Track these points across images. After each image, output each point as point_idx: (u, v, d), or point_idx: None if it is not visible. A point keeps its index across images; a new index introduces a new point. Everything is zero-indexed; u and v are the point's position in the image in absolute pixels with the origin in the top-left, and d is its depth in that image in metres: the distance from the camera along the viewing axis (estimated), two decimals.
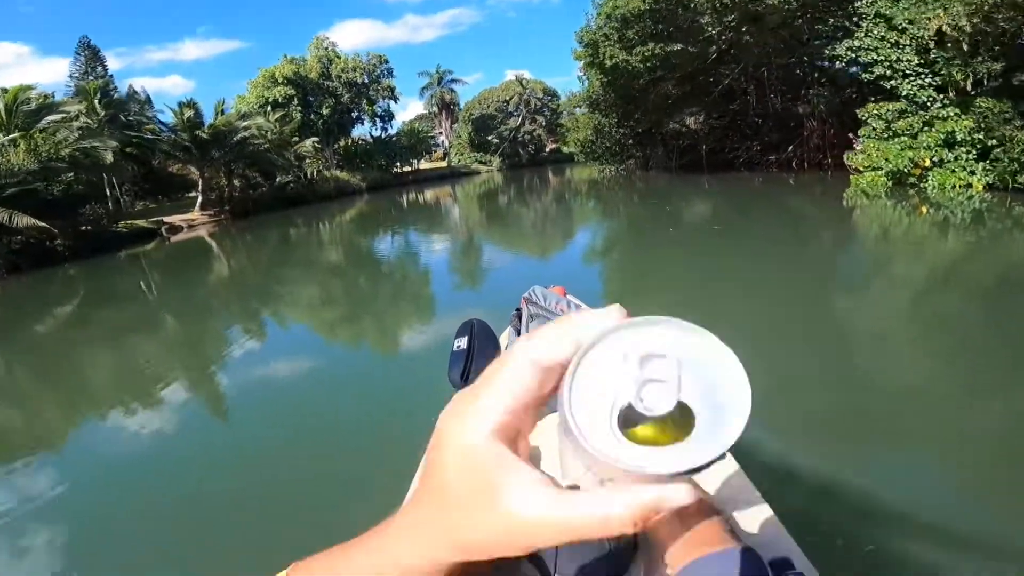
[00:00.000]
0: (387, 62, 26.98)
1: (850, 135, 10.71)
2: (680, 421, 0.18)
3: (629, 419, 0.18)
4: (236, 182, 17.32)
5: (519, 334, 1.76)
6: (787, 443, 2.03)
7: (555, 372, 0.20)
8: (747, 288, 4.53)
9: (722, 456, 0.18)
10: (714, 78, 16.11)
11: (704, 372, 0.18)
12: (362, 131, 29.04)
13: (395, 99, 27.92)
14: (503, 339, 1.92)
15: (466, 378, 1.66)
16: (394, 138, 28.54)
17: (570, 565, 0.88)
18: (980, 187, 7.70)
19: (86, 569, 1.82)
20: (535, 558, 0.87)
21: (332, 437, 2.56)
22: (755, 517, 1.01)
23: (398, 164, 28.76)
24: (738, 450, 1.27)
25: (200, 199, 15.70)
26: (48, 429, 3.03)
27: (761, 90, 15.55)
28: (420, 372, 3.23)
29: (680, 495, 0.19)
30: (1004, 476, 1.82)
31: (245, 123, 16.01)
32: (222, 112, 16.26)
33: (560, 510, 0.19)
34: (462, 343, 1.75)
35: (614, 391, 0.18)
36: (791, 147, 15.04)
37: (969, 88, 8.36)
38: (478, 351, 1.74)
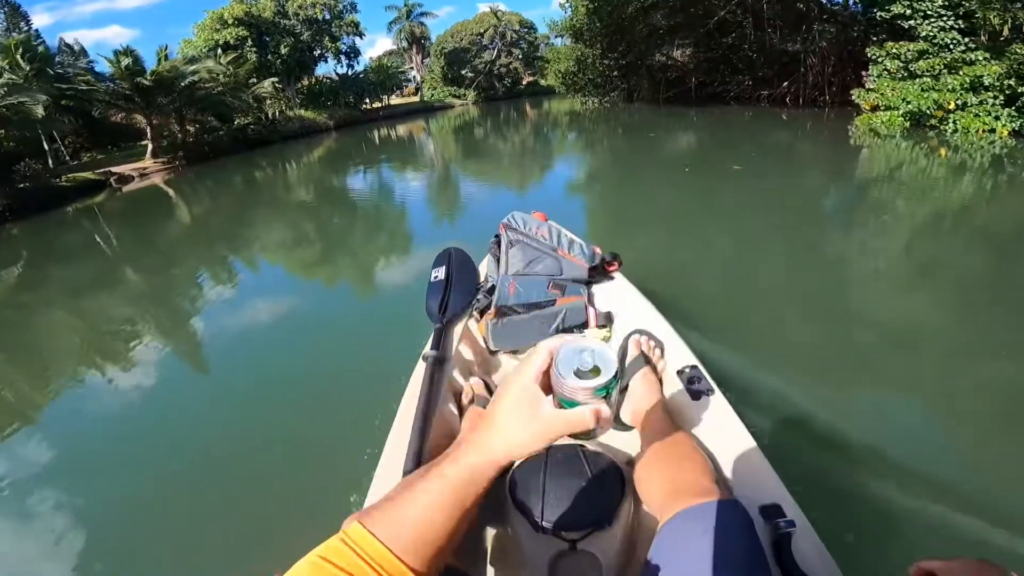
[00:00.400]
0: None
1: (863, 73, 10.36)
2: (597, 371, 0.47)
3: (581, 375, 0.47)
4: (189, 127, 16.59)
5: (498, 261, 1.71)
6: (784, 388, 2.02)
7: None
8: (743, 223, 4.48)
9: (613, 380, 0.47)
10: (706, 9, 15.37)
11: (603, 354, 0.48)
12: (326, 69, 28.00)
13: (360, 35, 26.68)
14: (482, 267, 1.84)
15: (444, 309, 1.64)
16: (362, 75, 27.48)
17: (555, 513, 0.87)
18: (1005, 132, 7.61)
19: (81, 536, 1.78)
20: (522, 507, 0.85)
21: (314, 377, 2.54)
22: (747, 463, 0.99)
23: (367, 101, 27.89)
24: (733, 393, 1.26)
25: (150, 147, 15.00)
26: (17, 401, 2.91)
27: (759, 24, 14.90)
28: (399, 306, 3.22)
29: (605, 409, 0.47)
30: (1006, 430, 1.82)
31: (193, 67, 15.19)
32: (166, 57, 15.41)
33: (562, 414, 0.47)
34: (439, 273, 1.71)
35: (571, 362, 0.48)
36: (786, 83, 14.72)
37: (1006, 33, 8.03)
38: (456, 281, 1.68)
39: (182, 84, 14.65)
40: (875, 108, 9.73)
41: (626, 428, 1.22)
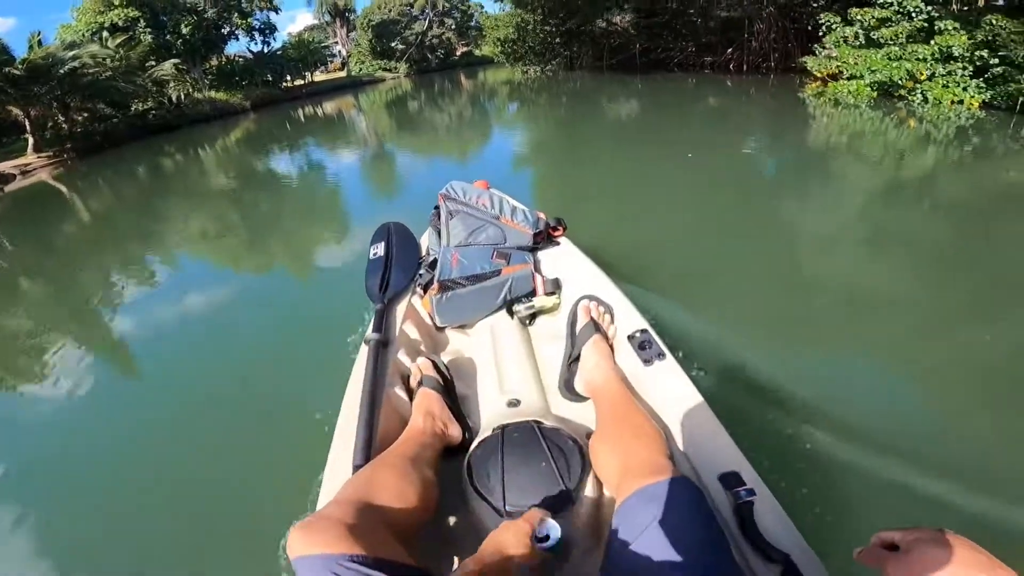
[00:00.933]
0: None
1: (820, 39, 10.53)
2: (547, 538, 0.82)
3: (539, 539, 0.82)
4: (76, 117, 15.44)
5: (440, 234, 1.73)
6: (738, 351, 2.06)
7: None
8: (695, 189, 4.63)
9: (557, 545, 0.83)
10: None
11: (552, 528, 0.82)
12: (239, 47, 26.96)
13: (275, 10, 25.57)
14: (423, 240, 1.84)
15: (385, 288, 1.61)
16: (279, 52, 26.43)
17: (517, 496, 0.89)
18: (975, 104, 7.78)
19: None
20: (482, 494, 0.87)
21: (252, 373, 2.46)
22: (703, 430, 1.02)
23: (288, 78, 26.89)
24: (685, 357, 1.29)
25: (31, 141, 13.88)
26: None
27: None
28: (339, 289, 3.19)
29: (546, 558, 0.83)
30: (969, 396, 1.90)
31: (73, 52, 14.13)
32: (39, 44, 14.54)
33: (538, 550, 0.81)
34: (379, 250, 1.68)
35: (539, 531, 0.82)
36: (730, 49, 15.22)
37: (981, 3, 8.01)
38: (396, 257, 1.65)
39: (61, 71, 13.62)
40: (835, 76, 9.85)
41: (581, 399, 1.26)
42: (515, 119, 11.64)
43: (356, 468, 0.99)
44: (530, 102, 13.96)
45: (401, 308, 1.53)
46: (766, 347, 2.15)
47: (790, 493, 0.95)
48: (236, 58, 25.50)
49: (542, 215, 1.76)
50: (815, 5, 12.21)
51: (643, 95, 12.34)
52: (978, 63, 7.91)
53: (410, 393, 1.26)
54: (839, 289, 2.67)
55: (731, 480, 0.91)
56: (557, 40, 18.36)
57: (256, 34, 25.22)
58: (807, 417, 1.74)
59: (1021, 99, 7.17)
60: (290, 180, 7.79)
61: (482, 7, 36.31)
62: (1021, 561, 0.57)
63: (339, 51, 35.23)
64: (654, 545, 0.72)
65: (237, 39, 24.65)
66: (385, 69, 32.47)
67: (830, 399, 1.81)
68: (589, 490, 0.95)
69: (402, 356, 1.37)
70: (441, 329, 1.59)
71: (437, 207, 1.74)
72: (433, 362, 1.26)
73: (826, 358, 2.16)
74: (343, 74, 33.16)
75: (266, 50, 26.02)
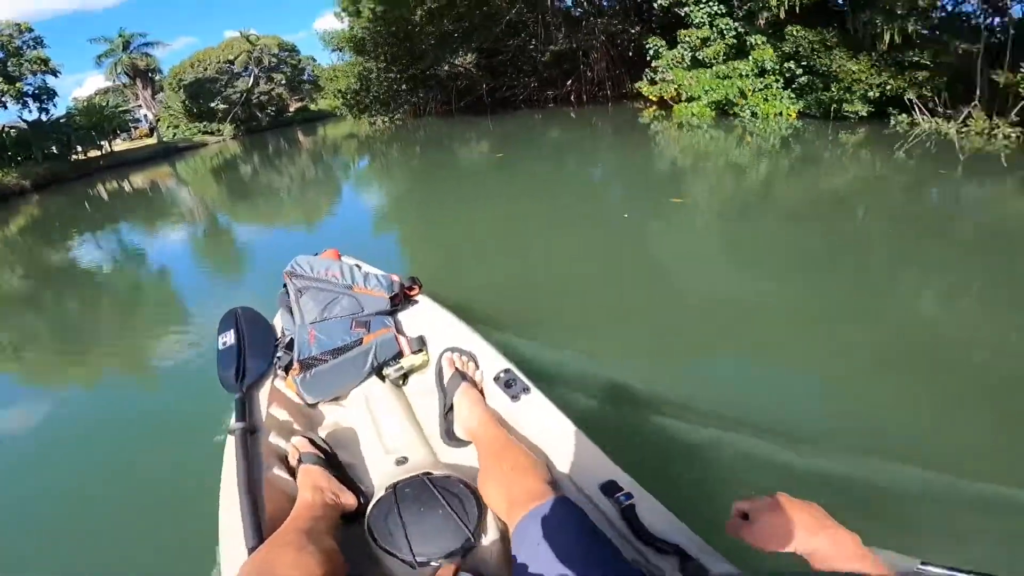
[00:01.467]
0: (31, 30, 22.58)
1: (652, 65, 11.73)
2: None
3: None
4: None
5: (292, 312, 1.81)
6: (593, 370, 2.42)
7: None
8: (546, 227, 5.15)
9: None
10: (492, 11, 17.03)
11: None
12: (9, 116, 24.10)
13: (53, 73, 23.54)
14: (276, 321, 1.94)
15: (241, 377, 1.67)
16: (64, 119, 24.06)
17: (423, 546, 1.01)
18: (793, 114, 9.06)
19: None
20: (390, 551, 1.00)
21: (105, 493, 2.30)
22: (575, 449, 1.22)
23: (79, 149, 24.43)
24: (549, 387, 1.53)
25: None
26: None
27: (543, 22, 16.88)
28: (190, 385, 3.09)
29: None
30: (795, 371, 2.39)
31: None
32: None
33: None
34: (228, 338, 1.73)
35: None
36: (569, 81, 16.94)
37: (782, 15, 9.19)
38: (249, 344, 1.73)
39: None
40: (675, 99, 11.04)
41: (464, 444, 1.43)
42: (365, 176, 11.84)
43: (251, 550, 1.04)
44: (380, 155, 14.28)
45: (264, 392, 1.58)
46: (619, 363, 2.54)
47: (666, 488, 1.16)
48: (6, 129, 22.72)
49: (396, 277, 1.93)
50: (633, 32, 14.07)
51: (493, 136, 13.27)
52: (787, 75, 9.29)
53: (292, 473, 1.33)
54: (681, 303, 3.22)
55: (610, 488, 1.10)
56: (403, 87, 19.04)
57: (29, 100, 22.88)
58: (665, 417, 2.08)
59: (834, 107, 8.59)
60: (103, 272, 7.06)
61: (314, 59, 36.70)
62: (855, 514, 0.77)
63: (144, 115, 33.09)
64: (546, 562, 0.87)
65: (5, 107, 22.21)
66: (207, 132, 30.95)
67: (683, 398, 2.19)
68: (490, 527, 1.08)
69: (275, 439, 1.43)
70: (313, 405, 1.66)
71: (285, 285, 1.84)
72: (309, 439, 1.34)
73: (673, 363, 2.60)
74: (152, 140, 31.04)
75: (45, 118, 23.57)
